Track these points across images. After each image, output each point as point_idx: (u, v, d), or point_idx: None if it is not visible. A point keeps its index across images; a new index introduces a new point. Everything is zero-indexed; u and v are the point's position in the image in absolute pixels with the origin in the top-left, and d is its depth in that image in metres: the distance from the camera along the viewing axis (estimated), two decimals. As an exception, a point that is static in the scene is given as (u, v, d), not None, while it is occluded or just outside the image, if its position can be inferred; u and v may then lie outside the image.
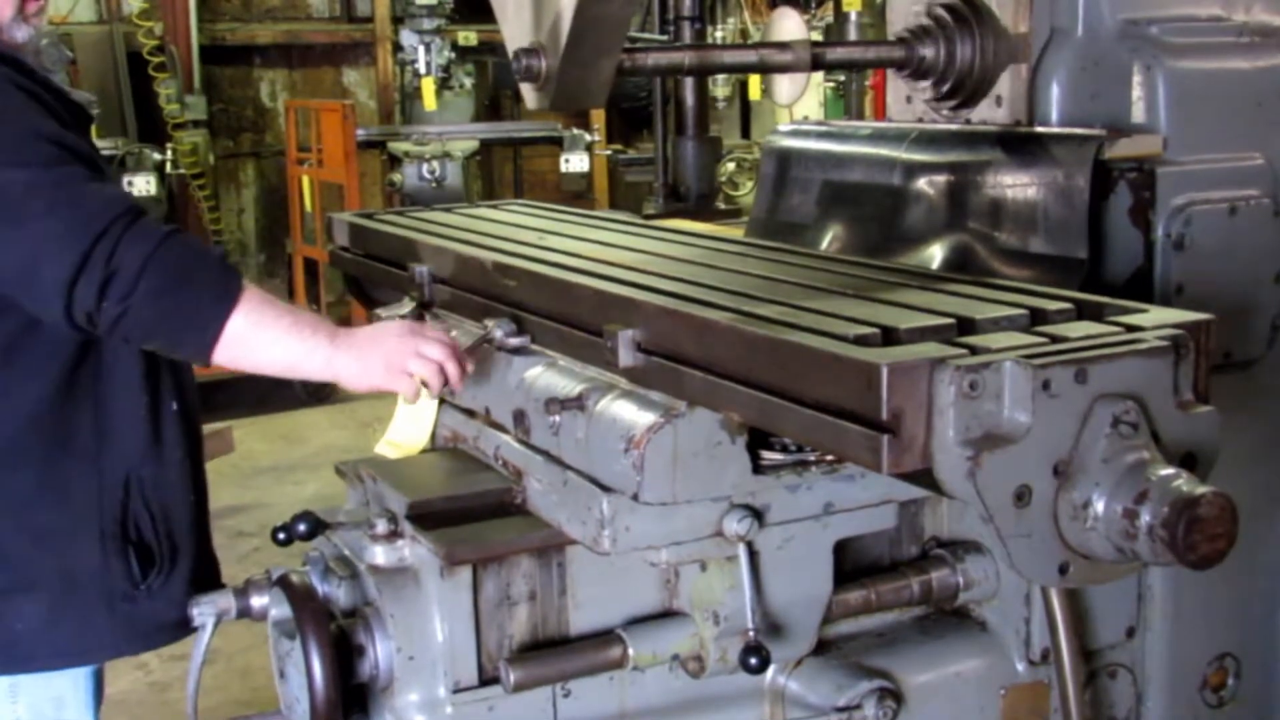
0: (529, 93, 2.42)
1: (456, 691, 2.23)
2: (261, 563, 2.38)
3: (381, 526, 2.30)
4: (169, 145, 9.78)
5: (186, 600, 2.44)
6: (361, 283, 3.38)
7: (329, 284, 9.52)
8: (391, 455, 2.69)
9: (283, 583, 2.30)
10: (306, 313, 2.35)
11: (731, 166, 10.84)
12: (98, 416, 2.37)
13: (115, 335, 2.20)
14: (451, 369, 2.30)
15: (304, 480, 7.20)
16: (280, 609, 2.32)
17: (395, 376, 2.28)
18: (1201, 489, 1.66)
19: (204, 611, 2.40)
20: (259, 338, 2.21)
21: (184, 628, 2.46)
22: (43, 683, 2.41)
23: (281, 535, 2.47)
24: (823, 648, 2.37)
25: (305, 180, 9.52)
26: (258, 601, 2.40)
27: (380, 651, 2.24)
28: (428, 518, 2.31)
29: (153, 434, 2.42)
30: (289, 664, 2.35)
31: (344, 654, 2.22)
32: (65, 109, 2.35)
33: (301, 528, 2.43)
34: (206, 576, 2.54)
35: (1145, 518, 1.67)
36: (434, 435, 2.72)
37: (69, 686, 2.44)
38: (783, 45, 2.67)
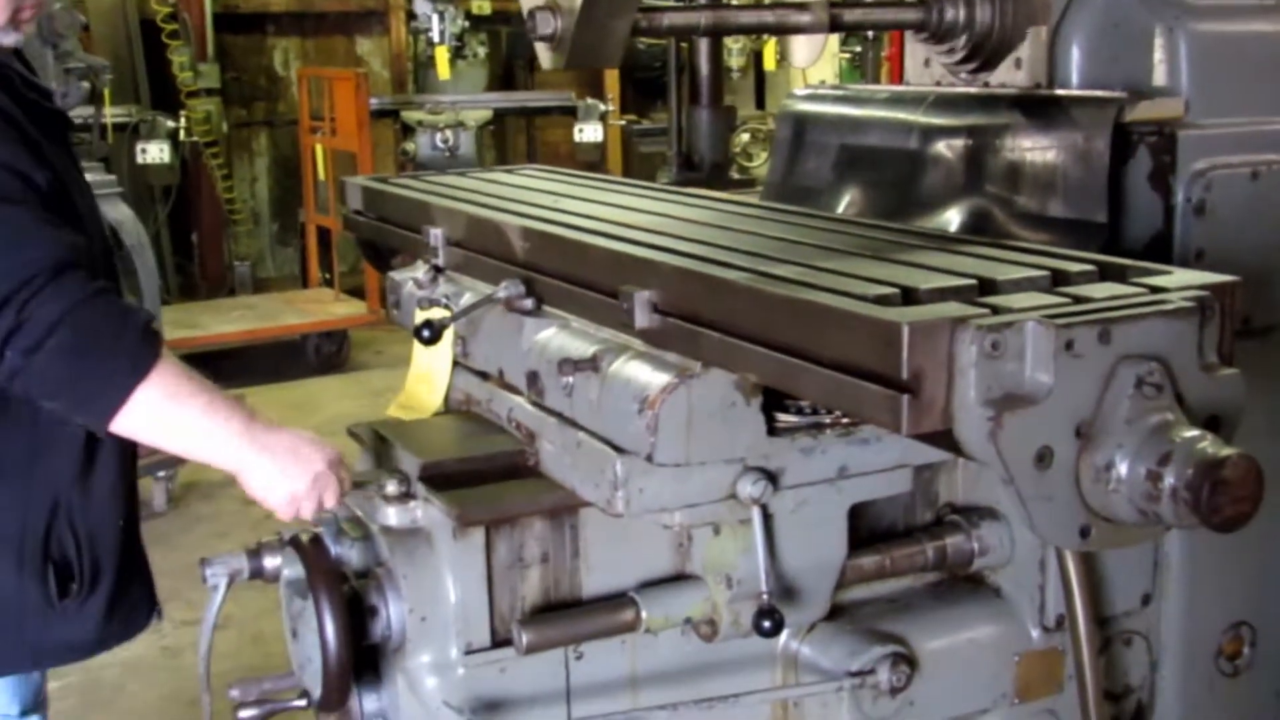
0: (544, 52, 2.40)
1: (469, 653, 2.23)
2: (273, 530, 2.35)
3: (393, 488, 2.30)
4: (182, 113, 9.77)
5: (101, 622, 2.39)
6: (375, 246, 3.37)
7: (342, 253, 9.52)
8: (405, 418, 2.68)
9: (295, 543, 2.29)
10: (223, 396, 2.21)
11: (746, 137, 10.77)
12: (32, 437, 2.28)
13: (14, 389, 2.07)
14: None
15: (316, 448, 7.19)
16: (293, 569, 2.32)
17: (289, 505, 2.20)
18: (1226, 451, 1.64)
19: (216, 572, 2.38)
20: (167, 415, 2.11)
21: (94, 649, 2.42)
22: None
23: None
24: (836, 613, 2.36)
25: (318, 149, 9.49)
26: (270, 563, 2.38)
27: (393, 612, 2.24)
28: (440, 479, 2.30)
29: (86, 459, 2.34)
30: (301, 623, 2.35)
31: (356, 615, 2.22)
32: (41, 118, 2.28)
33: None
34: (131, 596, 2.47)
35: (1169, 480, 1.65)
36: (447, 398, 2.70)
37: None
38: (801, 5, 2.65)
